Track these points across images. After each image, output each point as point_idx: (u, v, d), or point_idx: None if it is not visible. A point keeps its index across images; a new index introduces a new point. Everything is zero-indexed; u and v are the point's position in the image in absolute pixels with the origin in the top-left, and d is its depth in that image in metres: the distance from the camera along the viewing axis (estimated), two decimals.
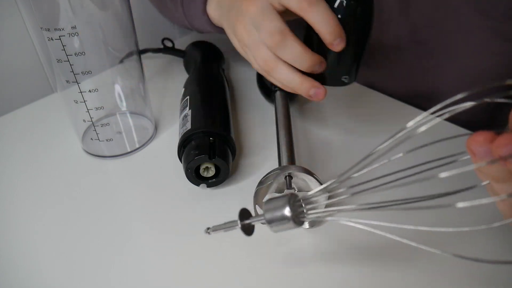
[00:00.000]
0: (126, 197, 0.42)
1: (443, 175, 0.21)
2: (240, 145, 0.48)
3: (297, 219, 0.27)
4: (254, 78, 0.55)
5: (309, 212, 0.28)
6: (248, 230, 0.29)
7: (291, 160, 0.41)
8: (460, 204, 0.21)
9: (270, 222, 0.27)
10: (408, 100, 0.54)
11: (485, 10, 0.45)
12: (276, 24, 0.36)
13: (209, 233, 0.30)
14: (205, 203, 0.41)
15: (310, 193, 0.28)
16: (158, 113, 0.54)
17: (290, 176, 0.38)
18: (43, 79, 0.59)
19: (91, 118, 0.44)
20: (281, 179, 0.38)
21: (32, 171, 0.46)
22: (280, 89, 0.50)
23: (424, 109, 0.51)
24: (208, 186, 0.42)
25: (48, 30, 0.37)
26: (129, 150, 0.47)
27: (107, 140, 0.46)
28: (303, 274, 0.34)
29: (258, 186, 0.36)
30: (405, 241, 0.25)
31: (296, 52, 0.36)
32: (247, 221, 0.28)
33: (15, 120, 0.55)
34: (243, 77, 0.60)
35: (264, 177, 0.37)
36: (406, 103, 0.54)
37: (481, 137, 0.22)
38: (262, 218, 0.28)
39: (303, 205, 0.28)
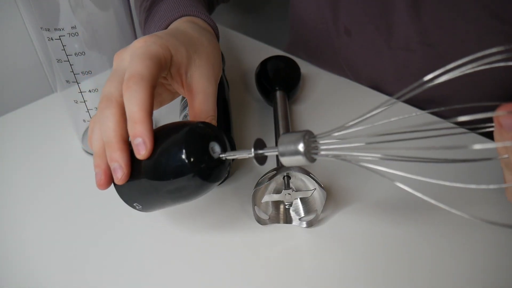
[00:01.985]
0: None
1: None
2: (239, 145, 0.48)
3: (309, 155, 0.28)
4: (253, 79, 0.55)
5: (323, 149, 0.28)
6: (260, 159, 0.30)
7: None
8: (477, 146, 0.22)
9: (282, 154, 0.28)
10: (415, 104, 0.53)
11: (499, 14, 0.44)
12: (106, 88, 0.31)
13: (222, 158, 0.30)
14: (205, 203, 0.41)
15: (327, 131, 0.29)
16: (158, 113, 0.54)
17: (288, 176, 0.38)
18: (43, 79, 0.59)
19: (91, 118, 0.44)
20: (279, 179, 0.38)
21: (32, 171, 0.46)
22: (280, 90, 0.50)
23: (433, 113, 0.50)
24: None
25: (48, 30, 0.37)
26: None
27: None
28: (300, 273, 0.34)
29: (256, 186, 0.36)
30: (420, 195, 0.24)
31: (104, 127, 0.30)
32: (260, 151, 0.30)
33: (15, 120, 0.55)
34: (243, 78, 0.60)
35: (262, 177, 0.37)
36: (413, 107, 0.52)
37: (510, 107, 0.23)
38: (276, 150, 0.29)
39: (318, 142, 0.29)
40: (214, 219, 0.40)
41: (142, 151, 0.29)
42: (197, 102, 0.34)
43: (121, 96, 0.30)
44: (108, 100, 0.30)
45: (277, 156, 0.42)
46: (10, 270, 0.36)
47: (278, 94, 0.50)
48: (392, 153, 0.26)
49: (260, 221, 0.38)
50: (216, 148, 0.30)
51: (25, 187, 0.44)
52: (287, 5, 0.68)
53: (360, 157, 0.27)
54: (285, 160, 0.29)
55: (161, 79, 0.36)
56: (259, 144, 0.30)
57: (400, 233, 0.37)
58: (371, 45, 0.56)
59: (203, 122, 0.31)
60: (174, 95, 0.39)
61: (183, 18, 0.42)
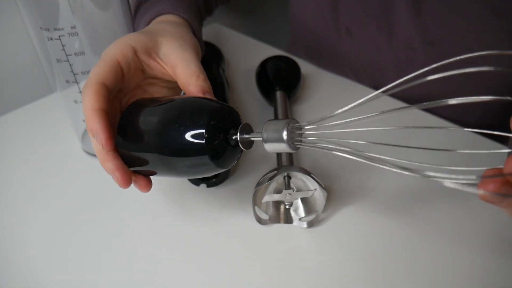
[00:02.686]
0: (125, 197, 0.42)
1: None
2: None
3: (292, 144, 0.29)
4: (253, 79, 0.55)
5: (306, 138, 0.29)
6: (246, 144, 0.31)
7: (290, 161, 0.41)
8: (452, 101, 0.22)
9: (266, 141, 0.29)
10: (414, 102, 0.53)
11: (501, 12, 0.44)
12: (85, 100, 0.32)
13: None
14: (205, 203, 0.41)
15: (311, 121, 0.29)
16: None
17: (289, 176, 0.38)
18: (43, 79, 0.59)
19: None
20: (280, 179, 0.38)
21: (32, 171, 0.46)
22: (280, 90, 0.50)
23: (435, 113, 0.50)
24: (208, 186, 0.42)
25: (48, 30, 0.37)
26: None
27: None
28: (300, 273, 0.34)
29: (256, 186, 0.36)
30: (407, 173, 0.25)
31: (94, 133, 0.31)
32: (246, 136, 0.30)
33: (15, 120, 0.55)
34: (243, 78, 0.60)
35: (262, 177, 0.37)
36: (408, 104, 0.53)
37: (491, 184, 0.22)
38: (260, 135, 0.29)
39: (302, 131, 0.29)
40: (215, 219, 0.40)
41: (100, 142, 0.30)
42: (179, 71, 0.34)
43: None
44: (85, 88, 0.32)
45: (277, 160, 0.42)
46: (10, 270, 0.36)
47: (279, 94, 0.50)
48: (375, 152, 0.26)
49: (260, 221, 0.38)
50: (233, 133, 0.31)
51: (25, 187, 0.44)
52: (287, 5, 0.68)
53: (342, 146, 0.27)
54: (268, 147, 0.29)
55: (149, 80, 0.37)
56: (246, 128, 0.31)
57: (400, 233, 0.37)
58: (372, 45, 0.56)
59: (228, 106, 0.31)
60: (172, 90, 0.39)
61: (155, 20, 0.43)
